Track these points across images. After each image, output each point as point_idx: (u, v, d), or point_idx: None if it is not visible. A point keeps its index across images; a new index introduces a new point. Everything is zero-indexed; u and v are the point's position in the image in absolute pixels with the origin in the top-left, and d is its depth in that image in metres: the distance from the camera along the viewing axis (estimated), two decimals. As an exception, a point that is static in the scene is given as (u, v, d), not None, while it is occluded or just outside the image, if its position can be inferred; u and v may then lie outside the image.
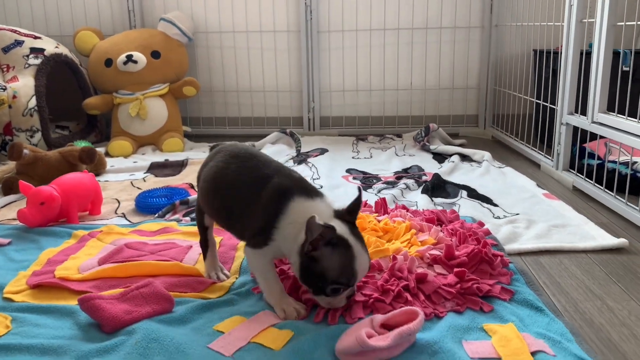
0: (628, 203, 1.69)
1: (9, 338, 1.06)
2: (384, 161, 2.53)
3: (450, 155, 2.53)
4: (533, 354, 0.96)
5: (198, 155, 2.67)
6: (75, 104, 2.89)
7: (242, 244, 1.49)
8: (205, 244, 1.30)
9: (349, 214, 1.08)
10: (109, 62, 2.89)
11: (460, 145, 2.76)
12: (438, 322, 1.08)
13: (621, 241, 1.47)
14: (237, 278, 1.29)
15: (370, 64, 3.13)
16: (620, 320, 1.12)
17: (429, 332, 1.03)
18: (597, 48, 1.87)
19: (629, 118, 1.72)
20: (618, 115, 1.78)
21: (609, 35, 1.81)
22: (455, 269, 1.22)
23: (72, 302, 1.18)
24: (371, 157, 2.62)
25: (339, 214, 1.07)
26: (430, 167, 2.38)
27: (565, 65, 2.10)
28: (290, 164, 2.44)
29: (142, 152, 2.76)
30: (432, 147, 2.68)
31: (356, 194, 1.09)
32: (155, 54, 2.91)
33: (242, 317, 1.12)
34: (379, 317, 1.02)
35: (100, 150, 2.46)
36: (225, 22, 3.12)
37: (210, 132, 3.21)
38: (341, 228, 1.03)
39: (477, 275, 1.23)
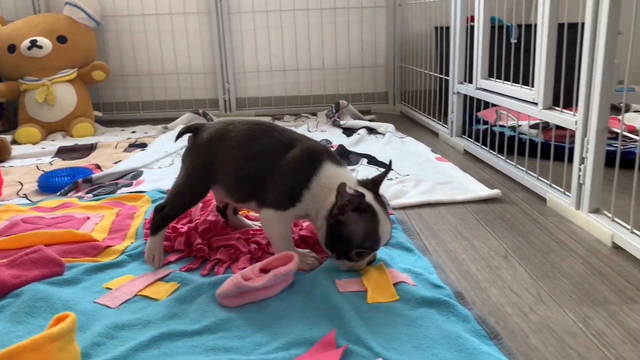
0: (506, 160, 1.85)
1: None
2: (295, 137, 2.60)
3: (358, 129, 2.65)
4: (395, 285, 1.07)
5: (109, 138, 2.65)
6: (-23, 91, 2.80)
7: (140, 211, 1.53)
8: (168, 222, 1.22)
9: (374, 183, 1.13)
10: (12, 48, 2.81)
11: (370, 120, 2.88)
12: (319, 266, 1.17)
13: (495, 192, 1.62)
14: (132, 242, 1.33)
15: (283, 44, 3.20)
16: (480, 255, 1.25)
17: (307, 273, 1.12)
18: (477, 20, 2.01)
19: (505, 82, 1.87)
20: (496, 80, 1.93)
21: (486, 8, 1.96)
22: (338, 221, 1.31)
23: (-39, 274, 1.19)
24: (283, 134, 2.69)
25: (364, 183, 1.12)
26: (339, 140, 2.48)
27: (454, 39, 2.25)
28: (202, 143, 2.48)
29: (52, 139, 2.72)
30: (342, 122, 2.78)
31: None
32: (61, 39, 2.85)
33: (131, 275, 1.17)
34: (258, 264, 1.09)
35: (7, 137, 2.40)
36: (134, 5, 3.10)
37: (124, 117, 3.18)
38: (368, 196, 1.07)
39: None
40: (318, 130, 2.73)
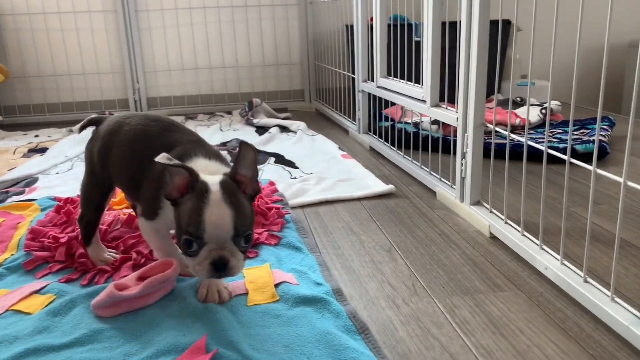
0: (404, 156, 1.91)
1: None
2: (207, 137, 2.57)
3: (271, 127, 2.65)
4: (277, 285, 1.08)
5: (7, 144, 2.52)
6: None
7: (27, 220, 1.47)
8: (94, 227, 1.20)
9: (233, 170, 0.94)
10: None
11: (285, 118, 2.89)
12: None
13: (389, 187, 1.67)
14: (12, 254, 1.28)
15: (194, 42, 3.15)
16: (366, 250, 1.28)
17: (190, 279, 1.12)
18: (375, 19, 2.06)
19: (400, 80, 1.93)
20: (393, 78, 1.99)
21: (383, 8, 2.01)
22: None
23: None
24: (196, 131, 2.65)
25: (230, 173, 0.94)
26: (250, 139, 2.47)
27: (357, 38, 2.29)
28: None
29: (-56, 145, 2.55)
30: (255, 120, 2.78)
31: None
32: (-48, 39, 2.68)
33: (6, 290, 1.12)
34: (136, 272, 1.08)
35: None
36: (33, 3, 2.95)
37: (29, 120, 3.04)
38: (213, 180, 0.92)
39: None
40: (231, 129, 2.71)
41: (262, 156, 2.17)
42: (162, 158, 0.89)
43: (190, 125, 2.85)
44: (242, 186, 0.95)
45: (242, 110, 2.94)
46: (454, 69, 1.50)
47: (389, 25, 2.22)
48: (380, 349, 0.88)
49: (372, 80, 2.20)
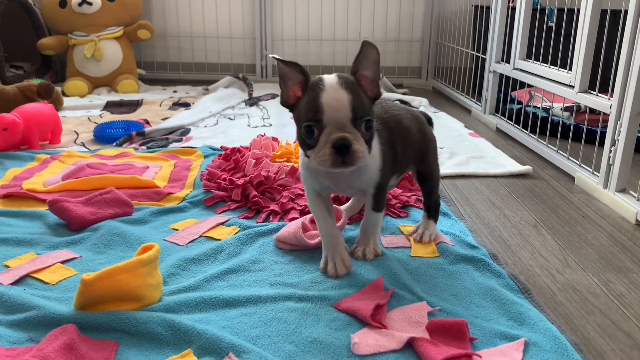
0: (538, 139, 1.94)
1: (-16, 234, 1.19)
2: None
3: (392, 101, 2.72)
4: (436, 244, 1.18)
5: (153, 96, 2.77)
6: (29, 44, 2.92)
7: (195, 164, 1.65)
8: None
9: (353, 67, 0.96)
10: (63, 3, 2.91)
11: (403, 94, 2.96)
12: (362, 224, 1.28)
13: (526, 168, 1.71)
14: (190, 191, 1.46)
15: (321, 14, 3.26)
16: (512, 223, 1.35)
17: (354, 231, 1.23)
18: (519, 1, 2.07)
19: (542, 64, 1.94)
20: (534, 61, 2.00)
21: (530, -10, 2.02)
22: (380, 184, 1.41)
23: (40, 208, 1.32)
24: (319, 102, 2.78)
25: (351, 71, 0.97)
26: (373, 111, 2.57)
27: (494, 19, 2.31)
28: (242, 106, 2.58)
29: (97, 93, 2.84)
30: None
31: None
32: (109, -3, 2.95)
33: (194, 219, 1.29)
34: (309, 216, 1.21)
35: (58, 88, 2.52)
36: (179, -33, 3.17)
37: (164, 77, 3.29)
38: (329, 77, 0.94)
39: (398, 189, 1.43)
40: (352, 101, 2.82)
41: (389, 128, 2.25)
42: (274, 55, 0.96)
43: (312, 93, 2.98)
44: (362, 86, 0.95)
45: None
46: (598, 56, 1.52)
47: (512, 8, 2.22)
48: (544, 308, 0.96)
49: (507, 62, 2.22)
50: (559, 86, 1.78)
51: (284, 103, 0.98)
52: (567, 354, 0.83)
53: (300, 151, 1.02)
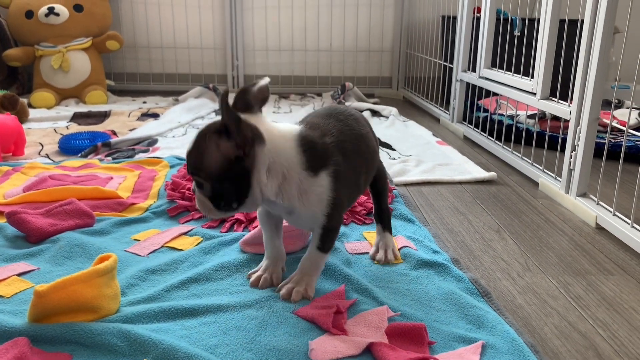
0: (503, 146, 1.97)
1: (-61, 248, 1.16)
2: (301, 116, 2.70)
3: (362, 111, 2.75)
4: (400, 249, 1.18)
5: (122, 107, 2.74)
6: (-6, 55, 2.87)
7: (160, 174, 1.63)
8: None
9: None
10: (29, 14, 2.88)
11: (374, 103, 2.98)
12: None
13: (491, 174, 1.74)
14: (154, 201, 1.44)
15: (292, 24, 3.28)
16: (475, 228, 1.36)
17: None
18: (484, 11, 2.11)
19: (506, 72, 1.98)
20: (499, 70, 2.04)
21: (492, 0, 2.06)
22: (346, 191, 1.42)
23: (-1, 221, 1.29)
24: (290, 112, 2.79)
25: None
26: (344, 120, 2.58)
27: (460, 28, 2.35)
28: (212, 116, 2.57)
29: (65, 105, 2.80)
30: (347, 103, 2.88)
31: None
32: (77, 7, 2.92)
33: (156, 229, 1.28)
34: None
35: (23, 100, 2.48)
36: (149, -22, 3.16)
37: (134, 88, 3.26)
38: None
39: (364, 196, 1.44)
40: (323, 110, 2.83)
41: (358, 137, 2.26)
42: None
43: (284, 104, 2.99)
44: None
45: (334, 92, 3.05)
46: (559, 64, 1.55)
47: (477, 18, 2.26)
48: (503, 311, 0.97)
49: (473, 71, 2.25)
50: (522, 94, 1.82)
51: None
52: (523, 355, 0.84)
53: None
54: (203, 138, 0.88)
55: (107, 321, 0.89)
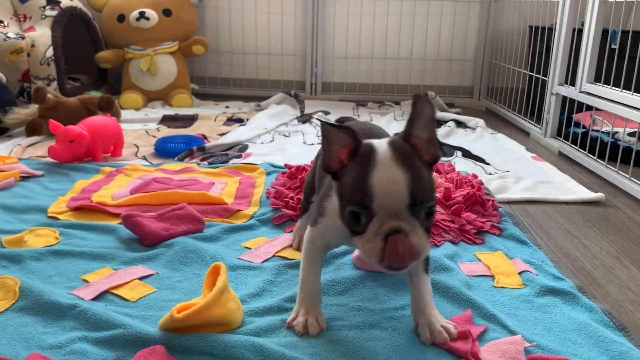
0: (607, 165, 1.87)
1: (60, 246, 1.20)
2: (384, 124, 2.67)
3: (447, 121, 2.68)
4: (520, 273, 1.13)
5: (207, 111, 2.79)
6: (87, 57, 2.99)
7: (259, 181, 1.64)
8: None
9: (406, 130, 0.80)
10: (121, 18, 2.98)
11: (457, 113, 2.91)
12: (436, 249, 1.24)
13: (599, 195, 1.65)
14: (258, 209, 1.44)
15: (374, 32, 3.26)
16: (592, 254, 1.29)
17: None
18: (588, 23, 2.02)
19: (613, 87, 1.88)
20: (604, 85, 1.94)
21: (600, 12, 1.96)
22: (452, 208, 1.38)
23: (112, 222, 1.33)
24: (371, 120, 2.76)
25: (402, 134, 0.81)
26: (427, 131, 2.53)
27: (558, 40, 2.25)
28: (295, 123, 2.58)
29: (152, 106, 2.88)
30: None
31: None
32: (166, 12, 3.00)
33: (265, 237, 1.28)
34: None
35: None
36: (234, -16, 3.22)
37: (215, 92, 3.32)
38: (380, 142, 0.79)
39: (472, 214, 1.39)
40: (404, 119, 2.79)
41: (447, 148, 2.21)
42: (320, 117, 0.83)
43: (362, 112, 2.96)
44: (417, 151, 0.79)
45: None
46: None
47: (578, 30, 2.17)
48: (646, 349, 0.90)
49: (572, 85, 2.16)
50: (633, 110, 1.72)
51: (326, 168, 0.81)
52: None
53: (328, 198, 0.88)
54: (410, 156, 0.77)
55: (237, 333, 0.89)
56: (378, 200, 0.74)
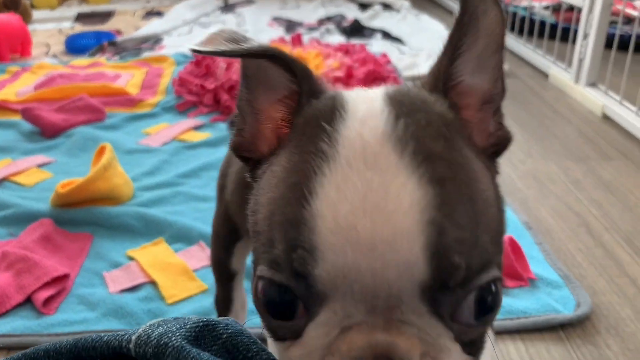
0: (516, 39, 1.92)
1: (-41, 143, 1.21)
2: (310, 10, 2.63)
3: (374, 5, 2.66)
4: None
5: (125, 6, 2.68)
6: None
7: (167, 71, 1.64)
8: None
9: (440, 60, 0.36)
10: None
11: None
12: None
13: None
14: (163, 97, 1.46)
15: None
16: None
17: None
18: None
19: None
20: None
21: None
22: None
23: (14, 118, 1.33)
24: (298, 7, 2.71)
25: (433, 69, 0.38)
26: (353, 15, 2.51)
27: None
28: (217, 14, 2.51)
29: (67, 5, 2.75)
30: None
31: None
32: None
33: (167, 123, 1.31)
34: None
35: (25, 1, 2.44)
36: None
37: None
38: (366, 101, 0.35)
39: (371, 89, 1.44)
40: (332, 5, 2.74)
41: (368, 31, 2.22)
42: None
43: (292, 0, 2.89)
44: (462, 122, 0.36)
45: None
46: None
47: None
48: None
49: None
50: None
51: (236, 150, 0.40)
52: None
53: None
54: (446, 146, 0.33)
55: (124, 205, 0.94)
56: (335, 257, 0.30)
